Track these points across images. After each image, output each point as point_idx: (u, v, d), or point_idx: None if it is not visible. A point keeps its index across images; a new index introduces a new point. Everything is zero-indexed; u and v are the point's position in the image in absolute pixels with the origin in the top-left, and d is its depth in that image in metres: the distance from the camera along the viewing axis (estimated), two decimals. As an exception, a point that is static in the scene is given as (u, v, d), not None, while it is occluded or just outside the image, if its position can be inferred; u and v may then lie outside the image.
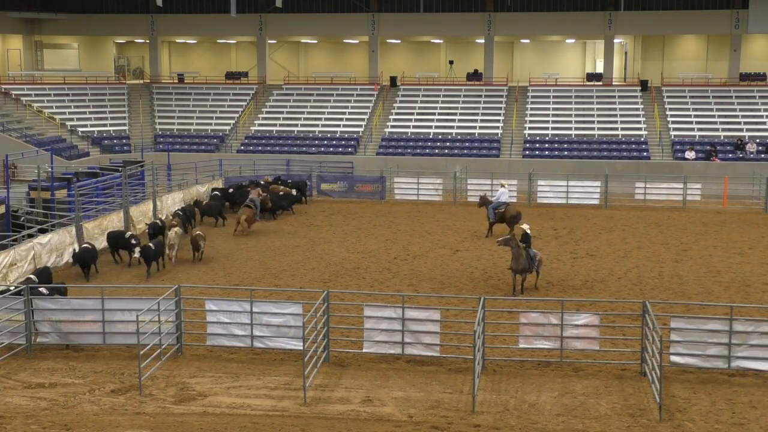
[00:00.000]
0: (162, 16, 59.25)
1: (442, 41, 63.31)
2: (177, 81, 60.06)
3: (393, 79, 57.43)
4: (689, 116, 51.73)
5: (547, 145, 50.40)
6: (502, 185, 34.59)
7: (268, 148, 51.70)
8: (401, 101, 55.40)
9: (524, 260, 23.73)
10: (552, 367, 18.54)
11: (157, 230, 30.11)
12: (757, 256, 29.25)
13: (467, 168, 44.86)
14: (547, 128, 51.82)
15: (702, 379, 17.77)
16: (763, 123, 50.60)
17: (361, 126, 53.26)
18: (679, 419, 15.81)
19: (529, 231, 24.39)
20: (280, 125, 54.04)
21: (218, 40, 64.94)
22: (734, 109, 51.98)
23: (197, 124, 55.10)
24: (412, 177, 43.46)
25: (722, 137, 49.71)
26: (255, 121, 54.69)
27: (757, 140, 48.74)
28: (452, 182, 42.12)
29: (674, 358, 17.96)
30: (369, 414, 16.16)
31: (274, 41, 62.87)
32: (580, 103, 53.97)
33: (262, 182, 39.61)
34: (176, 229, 28.78)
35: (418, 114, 53.97)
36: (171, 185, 41.44)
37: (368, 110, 54.79)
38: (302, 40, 64.28)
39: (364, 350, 19.14)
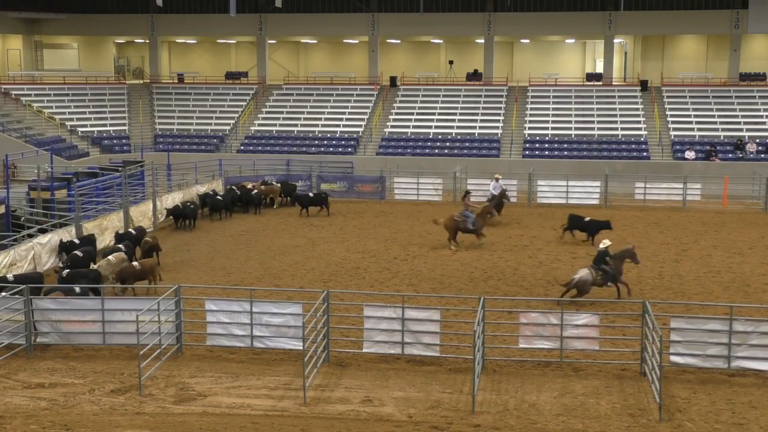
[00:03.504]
0: (162, 16, 59.27)
1: (442, 41, 63.33)
2: (177, 81, 60.07)
3: (393, 79, 57.45)
4: (689, 116, 51.73)
5: (546, 145, 50.40)
6: (497, 178, 37.16)
7: (268, 148, 51.72)
8: (401, 101, 55.41)
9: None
10: (552, 367, 18.53)
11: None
12: (757, 256, 29.23)
13: (467, 168, 44.86)
14: (546, 128, 51.83)
15: (702, 379, 17.76)
16: (763, 123, 50.60)
17: (360, 126, 53.27)
18: (679, 419, 15.81)
19: (602, 246, 23.90)
20: (280, 125, 54.05)
21: (218, 40, 64.97)
22: (734, 109, 51.99)
23: (197, 124, 55.11)
24: (412, 177, 43.46)
25: (722, 137, 49.71)
26: (255, 121, 54.70)
27: (757, 140, 48.73)
28: (452, 182, 42.13)
29: (674, 358, 17.95)
30: (369, 414, 16.16)
31: (274, 41, 62.89)
32: (579, 103, 53.97)
33: (467, 191, 35.60)
34: (111, 257, 24.77)
35: (417, 114, 53.98)
36: (171, 185, 41.43)
37: (368, 110, 54.80)
38: (302, 40, 64.31)
39: (364, 350, 19.13)
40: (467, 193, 34.38)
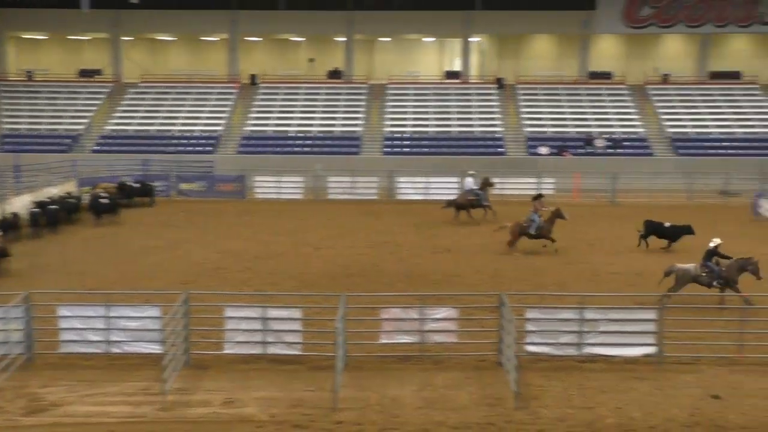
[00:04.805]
0: (7, 10, 56.74)
1: (303, 39, 63.18)
2: (26, 78, 57.66)
3: (253, 77, 56.99)
4: (542, 113, 53.48)
5: (406, 143, 51.08)
6: (471, 174, 36.59)
7: (125, 147, 50.37)
8: (261, 99, 55.04)
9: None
10: (413, 361, 18.77)
11: None
12: (606, 247, 30.48)
13: (328, 166, 44.97)
14: (406, 126, 52.52)
15: (555, 367, 18.36)
16: (610, 120, 52.86)
17: (220, 125, 52.58)
18: (534, 406, 16.31)
19: (711, 245, 23.20)
20: (137, 124, 52.74)
21: (69, 36, 62.65)
22: (584, 106, 54.10)
23: (48, 123, 53.07)
24: (273, 175, 43.25)
25: (573, 133, 51.63)
26: (110, 120, 53.17)
27: (605, 136, 50.85)
28: (313, 180, 42.16)
29: (529, 348, 18.52)
30: (230, 415, 15.97)
31: (130, 38, 61.18)
32: (438, 100, 54.96)
33: (539, 194, 32.23)
34: None
35: (278, 112, 53.74)
36: (20, 187, 39.68)
37: (228, 108, 54.18)
38: (159, 37, 62.83)
39: (225, 351, 18.88)
40: (539, 195, 31.47)
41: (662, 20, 56.62)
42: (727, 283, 22.54)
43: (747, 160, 48.43)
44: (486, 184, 36.46)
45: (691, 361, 18.34)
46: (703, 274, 22.61)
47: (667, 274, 22.92)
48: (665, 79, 57.85)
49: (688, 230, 29.77)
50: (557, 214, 29.58)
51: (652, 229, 30.16)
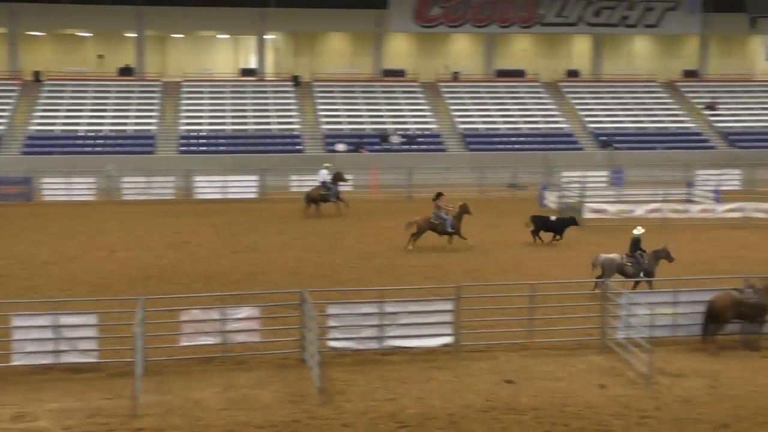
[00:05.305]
0: None
1: (90, 34, 60.62)
2: None
3: (37, 74, 54.21)
4: (339, 110, 54.14)
5: (203, 141, 50.28)
6: (327, 167, 37.12)
7: None
8: (47, 97, 52.51)
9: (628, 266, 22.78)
10: (215, 362, 18.51)
11: None
12: (401, 241, 31.23)
13: (121, 166, 43.52)
14: (202, 124, 51.70)
15: (358, 361, 18.63)
16: (404, 116, 54.28)
17: (2, 124, 49.67)
18: (338, 401, 16.49)
19: (635, 233, 23.01)
20: None
21: None
22: (379, 104, 55.26)
23: None
24: (62, 177, 41.41)
25: (369, 130, 52.61)
26: None
27: (400, 132, 52.16)
28: (106, 181, 40.74)
29: (332, 343, 18.71)
30: (21, 431, 15.13)
31: None
32: (234, 98, 54.45)
33: (439, 193, 30.14)
34: None
35: (66, 111, 51.43)
36: None
37: (10, 107, 51.29)
38: (-71, 30, 58.47)
39: (13, 363, 17.85)
40: (439, 194, 29.87)
41: (451, 20, 58.70)
42: (648, 274, 22.76)
43: (532, 154, 51.07)
44: (338, 179, 36.73)
45: (485, 348, 19.15)
46: (629, 264, 22.81)
47: (595, 265, 22.99)
48: (455, 77, 60.06)
49: (572, 222, 30.46)
50: (464, 210, 29.57)
51: (540, 224, 30.43)
